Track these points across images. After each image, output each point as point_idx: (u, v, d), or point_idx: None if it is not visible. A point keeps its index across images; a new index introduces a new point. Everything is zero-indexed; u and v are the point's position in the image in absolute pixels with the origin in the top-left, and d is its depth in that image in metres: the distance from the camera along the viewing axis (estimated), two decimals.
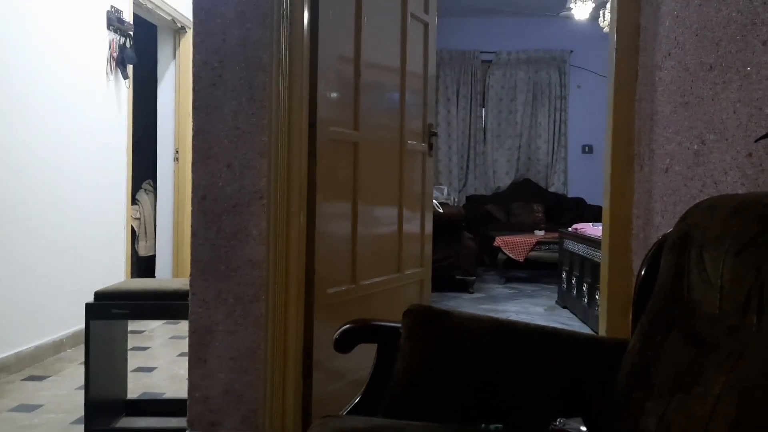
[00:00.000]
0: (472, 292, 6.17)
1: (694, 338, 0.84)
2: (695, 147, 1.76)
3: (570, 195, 8.77)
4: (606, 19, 5.75)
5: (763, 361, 0.79)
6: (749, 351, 0.80)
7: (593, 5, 6.20)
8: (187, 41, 5.28)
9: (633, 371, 1.06)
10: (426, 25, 3.14)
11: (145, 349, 3.94)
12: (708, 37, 1.70)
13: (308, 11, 2.28)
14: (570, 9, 6.37)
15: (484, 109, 8.93)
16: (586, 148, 8.81)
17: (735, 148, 1.54)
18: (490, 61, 8.85)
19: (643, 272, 1.25)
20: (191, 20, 2.23)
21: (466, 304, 5.66)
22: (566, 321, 5.03)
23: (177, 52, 5.40)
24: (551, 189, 8.81)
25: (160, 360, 3.72)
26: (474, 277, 6.25)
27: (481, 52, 8.82)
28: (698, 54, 1.76)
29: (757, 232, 0.79)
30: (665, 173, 1.96)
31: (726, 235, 0.84)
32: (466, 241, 6.16)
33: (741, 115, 1.52)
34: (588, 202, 8.26)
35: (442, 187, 7.96)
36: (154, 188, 5.64)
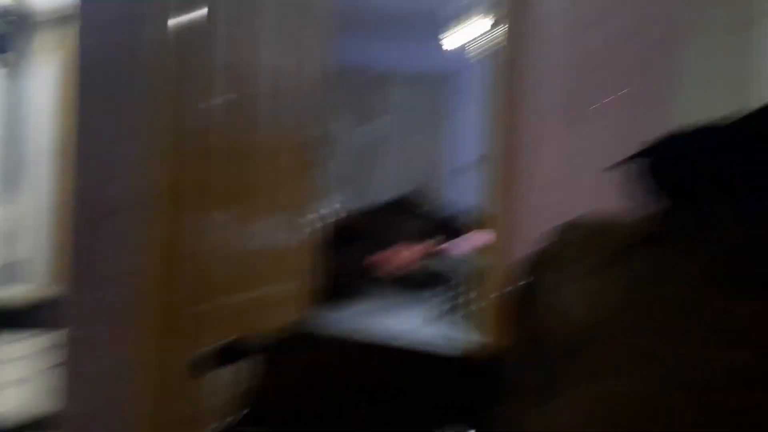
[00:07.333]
0: (353, 306, 6.19)
1: (553, 354, 0.89)
2: (568, 169, 1.87)
3: (453, 211, 9.03)
4: (486, 41, 5.98)
5: (620, 375, 0.84)
6: (604, 365, 0.86)
7: (478, 28, 6.44)
8: (69, 37, 5.01)
9: (505, 386, 1.11)
10: (323, 35, 3.15)
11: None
12: (583, 66, 1.82)
13: (197, 11, 2.22)
14: (454, 31, 6.59)
15: (373, 124, 9.06)
16: (470, 166, 9.12)
17: (601, 171, 1.65)
18: (380, 77, 9.01)
19: (514, 290, 1.30)
20: (74, 14, 2.12)
21: (345, 319, 5.68)
22: (447, 334, 5.16)
23: (56, 48, 5.10)
24: (435, 204, 9.05)
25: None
26: (356, 291, 6.28)
27: (371, 68, 8.96)
28: (575, 79, 1.87)
29: (607, 253, 0.86)
30: (542, 192, 2.07)
31: (581, 256, 0.91)
32: (351, 254, 6.19)
33: (611, 140, 1.63)
34: (469, 218, 8.53)
35: (329, 199, 7.98)
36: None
